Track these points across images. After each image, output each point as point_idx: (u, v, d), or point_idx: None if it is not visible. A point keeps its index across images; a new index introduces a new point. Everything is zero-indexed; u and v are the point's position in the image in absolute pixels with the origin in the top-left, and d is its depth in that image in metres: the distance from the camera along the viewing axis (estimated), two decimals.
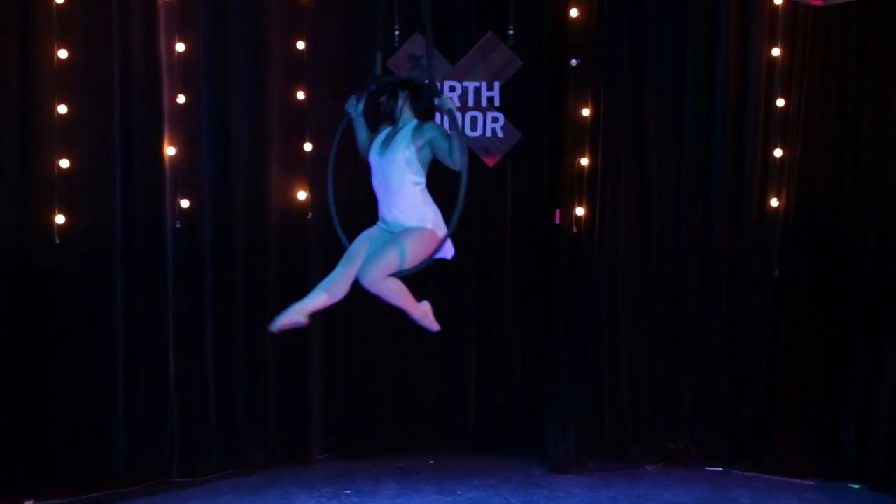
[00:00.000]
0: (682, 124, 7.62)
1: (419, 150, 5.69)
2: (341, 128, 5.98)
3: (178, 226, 7.13)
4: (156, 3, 7.01)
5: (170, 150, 7.11)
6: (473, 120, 7.78)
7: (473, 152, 7.79)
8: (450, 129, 5.63)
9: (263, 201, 7.42)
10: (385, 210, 5.78)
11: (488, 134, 7.79)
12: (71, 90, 6.80)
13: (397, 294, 5.68)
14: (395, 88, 5.87)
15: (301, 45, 7.40)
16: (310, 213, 7.47)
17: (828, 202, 7.39)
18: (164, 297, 7.14)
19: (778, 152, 7.40)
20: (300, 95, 7.43)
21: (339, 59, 7.58)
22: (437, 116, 6.50)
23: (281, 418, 7.58)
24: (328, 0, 7.55)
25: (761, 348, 7.51)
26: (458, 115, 5.53)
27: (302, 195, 7.45)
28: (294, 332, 7.11)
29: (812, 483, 7.30)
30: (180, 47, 7.10)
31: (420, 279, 5.99)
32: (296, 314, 5.63)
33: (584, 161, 7.55)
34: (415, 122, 5.79)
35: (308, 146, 7.46)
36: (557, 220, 7.65)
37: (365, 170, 5.94)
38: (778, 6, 7.33)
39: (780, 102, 7.38)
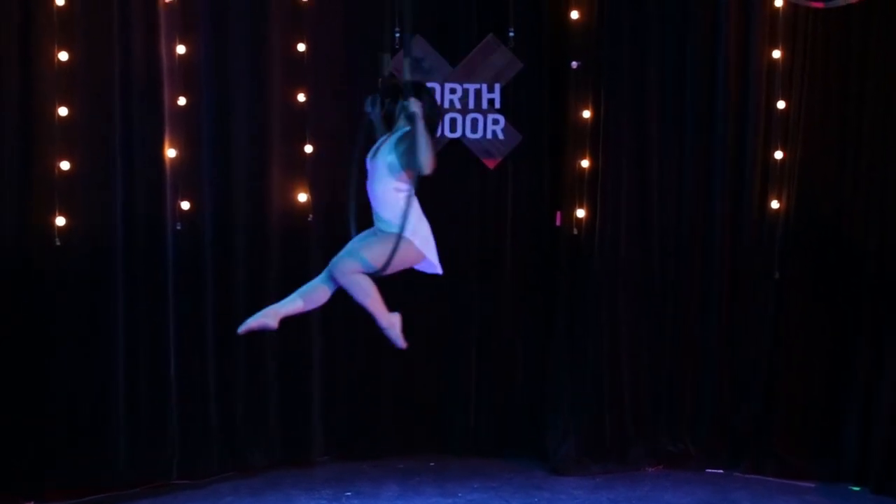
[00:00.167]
0: (683, 126, 7.61)
1: (401, 157, 5.51)
2: (362, 131, 5.81)
3: (178, 227, 7.13)
4: (156, 5, 7.00)
5: (170, 152, 7.10)
6: (474, 122, 7.78)
7: (474, 154, 7.81)
8: (411, 133, 5.40)
9: (264, 203, 7.41)
10: (374, 215, 5.71)
11: (489, 136, 7.78)
12: (71, 92, 6.79)
13: (366, 294, 5.51)
14: (397, 92, 5.79)
15: (301, 46, 7.39)
16: (310, 215, 7.46)
17: (828, 204, 7.38)
18: (164, 299, 7.13)
19: (778, 154, 7.39)
20: (301, 97, 7.43)
21: (339, 60, 7.58)
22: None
23: (281, 420, 7.56)
24: (329, 1, 7.54)
25: (762, 350, 7.50)
26: (420, 123, 5.38)
27: (302, 197, 7.44)
28: (294, 333, 7.20)
29: (812, 485, 7.29)
30: (181, 49, 7.10)
31: (420, 280, 5.98)
32: (266, 317, 5.50)
33: (585, 163, 7.54)
34: (407, 128, 5.55)
35: (308, 147, 7.46)
36: (558, 222, 7.65)
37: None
38: (779, 8, 7.32)
39: (781, 104, 7.37)
